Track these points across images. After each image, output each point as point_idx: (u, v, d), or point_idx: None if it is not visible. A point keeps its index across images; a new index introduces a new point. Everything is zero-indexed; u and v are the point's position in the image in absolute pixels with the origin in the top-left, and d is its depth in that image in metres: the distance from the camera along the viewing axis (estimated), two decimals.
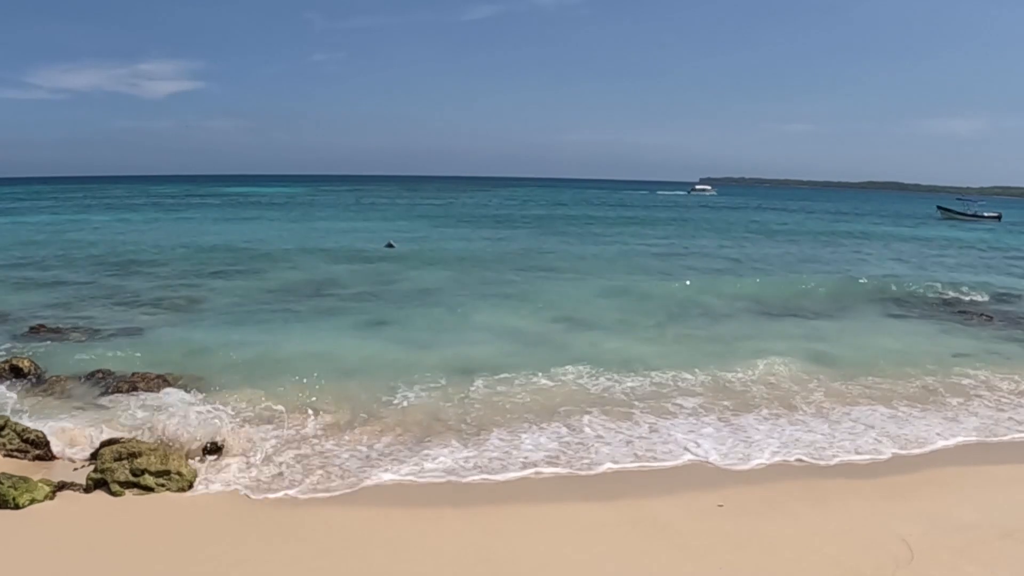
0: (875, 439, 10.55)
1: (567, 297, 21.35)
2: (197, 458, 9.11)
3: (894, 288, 24.25)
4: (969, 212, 77.59)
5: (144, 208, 68.31)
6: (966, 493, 8.70)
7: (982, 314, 20.40)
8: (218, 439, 9.34)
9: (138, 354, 14.27)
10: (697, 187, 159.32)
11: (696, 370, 13.76)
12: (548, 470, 9.25)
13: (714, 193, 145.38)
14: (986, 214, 77.18)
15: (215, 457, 9.15)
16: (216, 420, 10.48)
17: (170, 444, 8.89)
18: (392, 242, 34.09)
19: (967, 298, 23.10)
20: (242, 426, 10.25)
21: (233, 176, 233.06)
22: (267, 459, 9.24)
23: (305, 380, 12.58)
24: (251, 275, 25.23)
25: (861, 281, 25.31)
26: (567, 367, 13.64)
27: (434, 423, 10.86)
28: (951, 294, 23.52)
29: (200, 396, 11.91)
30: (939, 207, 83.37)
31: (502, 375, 13.11)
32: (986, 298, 23.21)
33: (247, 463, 9.05)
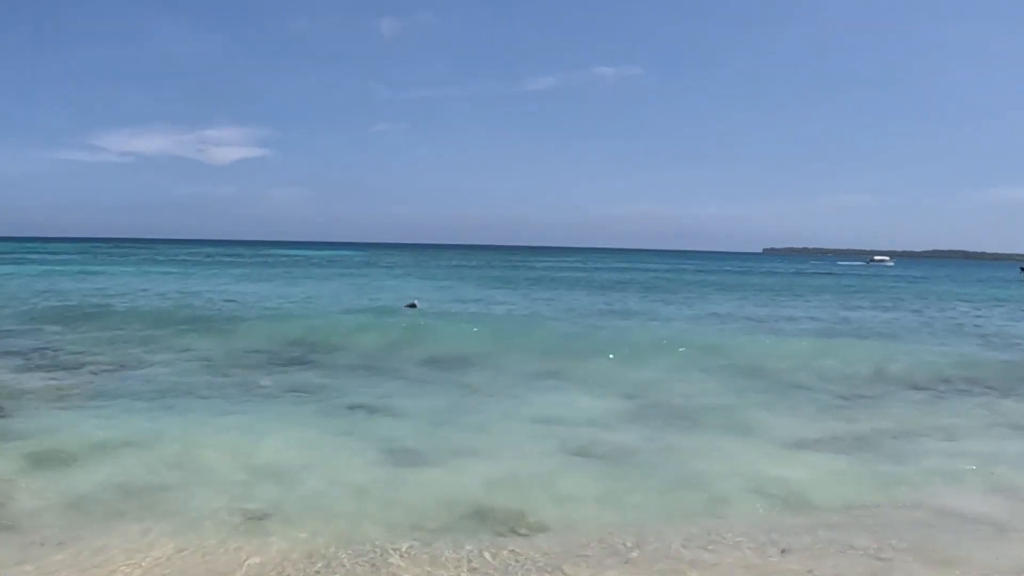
0: None
1: None
2: None
3: None
4: None
5: (176, 263, 64.19)
6: None
7: None
8: None
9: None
10: (876, 258, 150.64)
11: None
12: None
13: (892, 264, 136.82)
14: None
15: None
16: None
17: None
18: (416, 301, 28.04)
19: None
20: None
21: (292, 242, 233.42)
22: None
23: (219, 507, 6.46)
24: (229, 335, 19.33)
25: None
26: None
27: None
28: None
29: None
30: (1023, 268, 79.79)
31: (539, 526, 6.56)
32: None
33: None
